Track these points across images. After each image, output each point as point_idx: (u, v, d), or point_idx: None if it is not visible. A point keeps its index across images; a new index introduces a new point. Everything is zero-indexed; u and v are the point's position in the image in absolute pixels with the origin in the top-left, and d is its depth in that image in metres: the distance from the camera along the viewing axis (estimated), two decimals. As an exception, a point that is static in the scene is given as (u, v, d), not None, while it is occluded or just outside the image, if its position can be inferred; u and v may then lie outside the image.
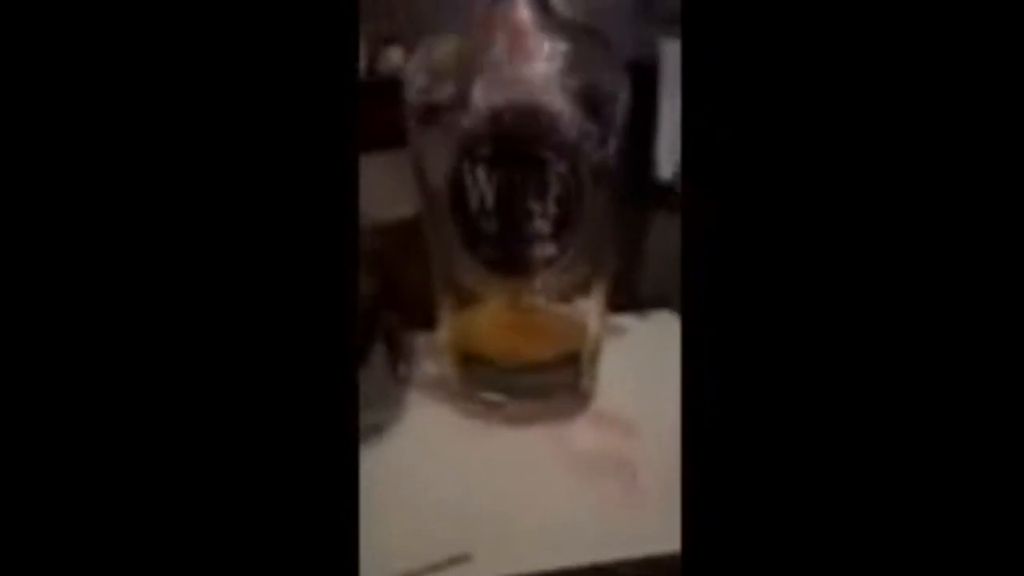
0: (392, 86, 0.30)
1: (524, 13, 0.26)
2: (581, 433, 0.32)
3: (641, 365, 0.36)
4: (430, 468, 0.30)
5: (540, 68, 0.26)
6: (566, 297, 0.32)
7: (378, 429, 0.33)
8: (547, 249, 0.28)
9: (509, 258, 0.29)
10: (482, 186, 0.27)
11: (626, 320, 0.41)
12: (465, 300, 0.32)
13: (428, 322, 0.34)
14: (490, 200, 0.27)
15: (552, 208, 0.27)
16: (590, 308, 0.32)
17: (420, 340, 0.36)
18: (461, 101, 0.27)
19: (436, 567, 0.25)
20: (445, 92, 0.27)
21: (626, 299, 0.40)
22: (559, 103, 0.26)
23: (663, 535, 0.25)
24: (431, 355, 0.36)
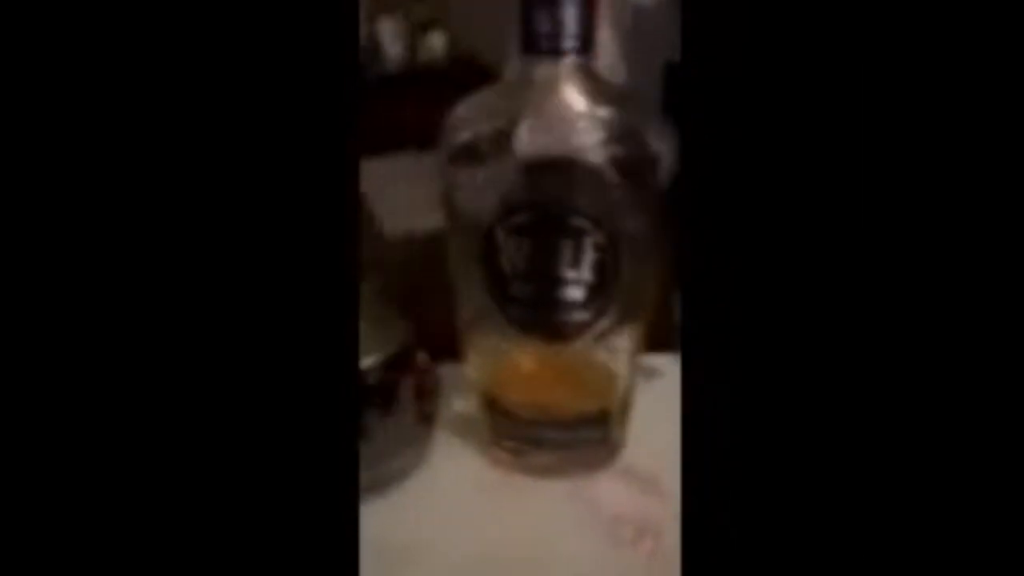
0: (433, 76, 0.29)
1: (569, 83, 0.25)
2: (606, 491, 0.31)
3: (675, 414, 0.35)
4: (448, 519, 0.30)
5: (581, 138, 0.25)
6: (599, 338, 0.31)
7: (403, 473, 0.32)
8: (580, 316, 0.27)
9: (541, 323, 0.28)
10: (513, 251, 0.26)
11: (660, 361, 0.39)
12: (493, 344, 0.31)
13: (457, 352, 0.32)
14: (522, 266, 0.26)
15: (587, 276, 0.26)
16: (620, 354, 0.31)
17: (449, 372, 0.34)
18: (501, 145, 0.26)
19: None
20: (486, 130, 0.26)
21: (662, 337, 0.38)
22: (598, 169, 0.25)
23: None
24: (461, 390, 0.34)
